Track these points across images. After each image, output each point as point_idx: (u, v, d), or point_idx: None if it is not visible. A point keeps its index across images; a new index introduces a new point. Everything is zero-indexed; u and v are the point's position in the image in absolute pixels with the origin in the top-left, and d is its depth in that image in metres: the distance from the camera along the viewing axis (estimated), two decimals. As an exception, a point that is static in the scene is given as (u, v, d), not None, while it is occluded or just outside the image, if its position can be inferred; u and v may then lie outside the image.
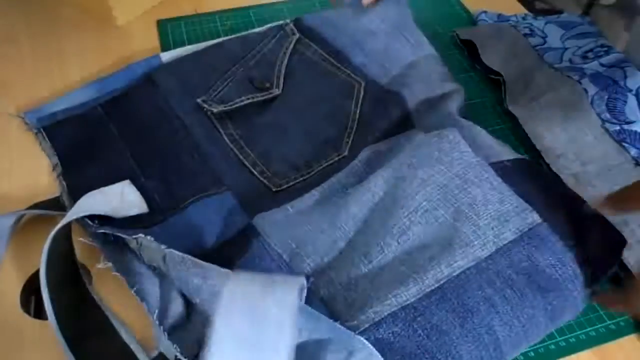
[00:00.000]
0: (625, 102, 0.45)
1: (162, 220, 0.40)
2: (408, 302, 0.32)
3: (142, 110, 0.47)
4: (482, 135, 0.42)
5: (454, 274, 0.33)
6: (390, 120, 0.45)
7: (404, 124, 0.45)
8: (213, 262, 0.32)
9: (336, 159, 0.44)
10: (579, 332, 0.37)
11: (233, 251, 0.37)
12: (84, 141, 0.45)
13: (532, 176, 0.39)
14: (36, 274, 0.39)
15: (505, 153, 0.40)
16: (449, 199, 0.36)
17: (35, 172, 0.45)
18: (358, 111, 0.47)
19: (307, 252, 0.36)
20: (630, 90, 0.46)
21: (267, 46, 0.52)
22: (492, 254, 0.34)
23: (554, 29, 0.55)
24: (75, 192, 0.41)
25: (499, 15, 0.60)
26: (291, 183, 0.42)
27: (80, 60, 0.55)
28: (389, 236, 0.35)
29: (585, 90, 0.47)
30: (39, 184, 0.44)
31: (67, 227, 0.37)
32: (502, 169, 0.38)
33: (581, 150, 0.44)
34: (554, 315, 0.34)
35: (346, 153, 0.44)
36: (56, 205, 0.41)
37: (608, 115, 0.45)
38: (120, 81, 0.50)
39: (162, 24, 0.59)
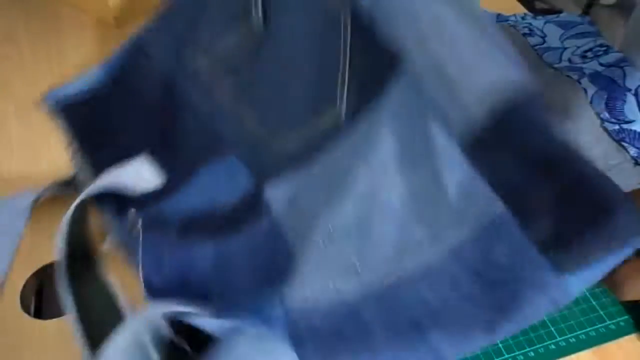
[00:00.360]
0: (625, 101, 0.45)
1: (175, 191, 0.40)
2: (345, 296, 0.32)
3: (142, 82, 0.47)
4: (465, 88, 0.34)
5: (396, 277, 0.33)
6: (374, 67, 0.38)
7: (390, 64, 0.37)
8: (223, 229, 0.36)
9: (333, 118, 0.39)
10: (579, 332, 0.37)
11: (239, 219, 0.38)
12: (98, 120, 0.46)
13: (516, 138, 0.33)
14: (36, 274, 0.39)
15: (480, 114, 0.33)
16: (414, 194, 0.34)
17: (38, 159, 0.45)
18: (347, 61, 0.40)
19: (311, 226, 0.36)
20: (630, 90, 0.46)
21: None
22: (445, 257, 0.32)
23: (553, 28, 0.55)
24: (93, 170, 0.42)
25: (498, 15, 0.60)
26: (289, 141, 0.40)
27: (80, 60, 0.55)
28: (337, 188, 0.35)
29: (585, 90, 0.47)
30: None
31: (84, 209, 0.37)
32: (474, 144, 0.33)
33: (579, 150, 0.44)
34: (507, 309, 0.31)
35: (343, 117, 0.39)
36: (69, 187, 0.42)
37: (607, 115, 0.45)
38: (121, 57, 0.50)
39: (162, 24, 0.59)
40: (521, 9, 0.64)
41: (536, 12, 0.62)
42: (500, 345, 0.36)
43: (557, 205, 0.31)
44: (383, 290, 0.32)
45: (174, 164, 0.42)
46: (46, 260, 0.39)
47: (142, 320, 0.31)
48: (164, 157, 0.42)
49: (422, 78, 0.35)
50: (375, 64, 0.38)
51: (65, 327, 0.36)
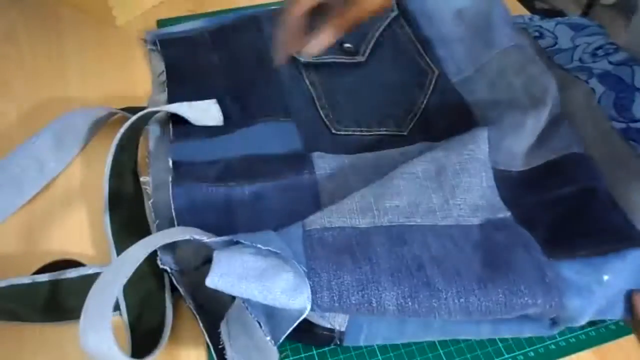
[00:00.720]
0: (633, 100, 0.46)
1: (232, 132, 0.46)
2: (358, 226, 0.36)
3: (243, 43, 0.55)
4: (516, 144, 0.43)
5: (407, 224, 0.37)
6: (450, 121, 0.48)
7: (466, 126, 0.45)
8: (260, 170, 0.42)
9: (396, 132, 0.48)
10: (579, 332, 0.37)
11: (283, 168, 0.43)
12: (188, 58, 0.53)
13: (537, 191, 0.40)
14: (41, 270, 0.39)
15: (521, 164, 0.42)
16: (440, 177, 0.39)
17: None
18: (425, 101, 0.50)
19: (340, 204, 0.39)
20: (638, 89, 0.46)
21: None
22: (451, 225, 0.37)
23: (565, 29, 0.55)
24: (172, 100, 0.48)
25: None
26: (349, 132, 0.48)
27: (80, 60, 0.55)
28: (377, 177, 0.40)
29: (593, 90, 0.47)
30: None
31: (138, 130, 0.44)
32: (503, 176, 0.41)
33: (587, 149, 0.44)
34: (499, 268, 0.34)
35: (405, 133, 0.47)
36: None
37: (615, 114, 0.46)
38: (230, 18, 0.58)
39: (161, 24, 0.59)
40: (522, 10, 0.64)
41: (536, 12, 0.62)
42: (500, 345, 0.36)
43: (555, 220, 0.38)
44: (393, 228, 0.36)
45: (239, 113, 0.48)
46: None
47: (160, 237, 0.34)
48: (234, 104, 0.49)
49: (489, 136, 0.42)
50: (450, 111, 0.49)
51: (65, 328, 0.36)
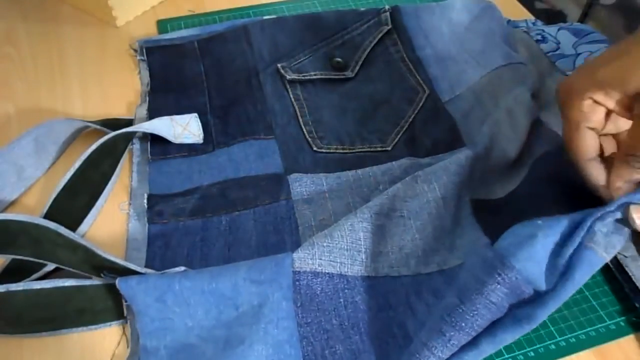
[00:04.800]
0: None
1: (210, 151, 0.46)
2: (346, 274, 0.36)
3: (230, 57, 0.54)
4: (499, 177, 0.43)
5: (392, 275, 0.37)
6: (437, 138, 0.47)
7: (452, 144, 0.46)
8: (237, 196, 0.42)
9: (379, 149, 0.47)
10: (579, 332, 0.37)
11: (259, 194, 0.43)
12: (173, 68, 0.53)
13: (519, 212, 0.38)
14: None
15: (503, 188, 0.42)
16: (423, 215, 0.39)
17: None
18: (412, 116, 0.49)
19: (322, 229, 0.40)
20: None
21: (358, 29, 0.56)
22: (433, 272, 0.37)
23: (567, 35, 0.55)
24: (152, 110, 0.48)
25: (508, 21, 0.59)
26: (331, 150, 0.47)
27: (80, 60, 0.55)
28: (356, 201, 0.42)
29: None
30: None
31: (116, 145, 0.44)
32: (482, 207, 0.41)
33: None
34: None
35: (389, 148, 0.47)
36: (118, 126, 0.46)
37: None
38: (222, 27, 0.57)
39: (162, 24, 0.59)
40: (522, 10, 0.64)
41: (536, 12, 0.62)
42: (500, 345, 0.36)
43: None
44: (379, 282, 0.37)
45: (220, 129, 0.48)
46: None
47: None
48: (216, 119, 0.48)
49: (474, 161, 0.41)
50: (436, 127, 0.48)
51: (64, 330, 0.36)
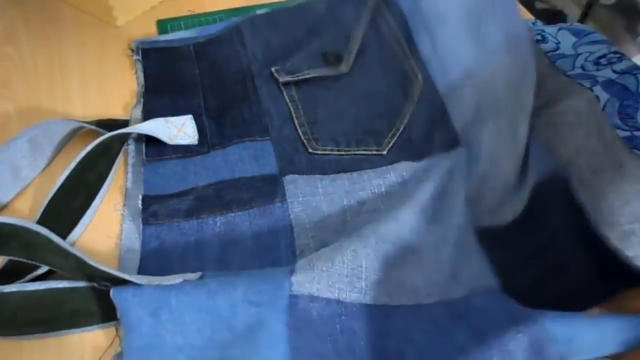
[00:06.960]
0: (637, 108, 0.46)
1: (206, 152, 0.46)
2: (344, 300, 0.36)
3: (224, 59, 0.54)
4: (500, 201, 0.41)
5: (391, 304, 0.36)
6: (433, 139, 0.46)
7: (448, 145, 0.45)
8: (231, 198, 0.41)
9: (374, 152, 0.46)
10: (578, 332, 0.37)
11: (254, 195, 0.42)
12: (168, 70, 0.52)
13: (527, 238, 0.39)
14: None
15: (509, 212, 0.40)
16: (424, 248, 0.39)
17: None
18: (409, 115, 0.48)
19: (317, 235, 0.40)
20: None
21: (347, 11, 0.56)
22: (435, 302, 0.36)
23: (567, 35, 0.55)
24: (147, 112, 0.48)
25: None
26: (326, 152, 0.46)
27: (80, 60, 0.55)
28: (352, 205, 0.41)
29: (597, 98, 0.47)
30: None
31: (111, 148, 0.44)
32: (488, 236, 0.40)
33: (591, 158, 0.44)
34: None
35: (384, 152, 0.46)
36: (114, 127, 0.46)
37: (619, 122, 0.45)
38: (218, 28, 0.57)
39: (161, 24, 0.59)
40: (521, 9, 0.64)
41: (536, 12, 0.62)
42: (500, 345, 0.36)
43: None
44: (377, 310, 0.36)
45: (215, 130, 0.47)
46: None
47: None
48: (210, 120, 0.48)
49: (468, 166, 0.42)
50: (435, 132, 0.47)
51: (64, 330, 0.36)
